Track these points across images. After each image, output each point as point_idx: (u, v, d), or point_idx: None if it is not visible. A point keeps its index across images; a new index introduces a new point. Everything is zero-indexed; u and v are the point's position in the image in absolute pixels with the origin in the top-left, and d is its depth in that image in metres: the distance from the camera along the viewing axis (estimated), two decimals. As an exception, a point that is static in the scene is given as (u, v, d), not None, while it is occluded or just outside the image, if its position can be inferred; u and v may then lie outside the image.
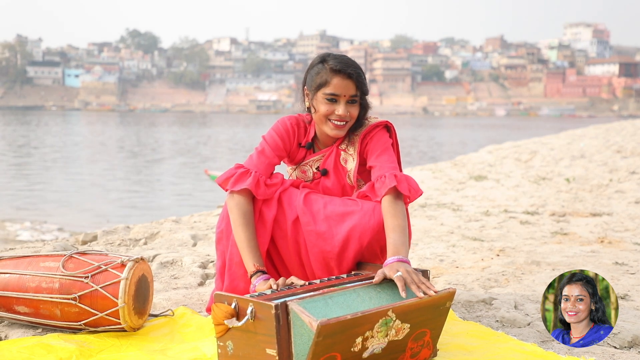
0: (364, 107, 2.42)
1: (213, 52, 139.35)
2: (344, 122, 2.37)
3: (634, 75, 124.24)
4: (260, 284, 2.18)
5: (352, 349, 1.76)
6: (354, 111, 2.37)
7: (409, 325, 1.89)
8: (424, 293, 1.90)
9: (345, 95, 2.33)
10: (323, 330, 1.65)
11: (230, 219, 2.33)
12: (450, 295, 1.97)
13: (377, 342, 1.82)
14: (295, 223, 2.33)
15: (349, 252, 2.26)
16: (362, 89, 2.37)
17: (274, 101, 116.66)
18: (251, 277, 2.23)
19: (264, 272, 2.23)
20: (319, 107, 2.36)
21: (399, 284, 1.93)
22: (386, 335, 1.83)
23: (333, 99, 2.33)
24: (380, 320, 1.80)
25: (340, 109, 2.33)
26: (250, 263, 2.25)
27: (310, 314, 1.73)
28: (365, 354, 1.81)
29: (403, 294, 1.90)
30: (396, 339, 1.87)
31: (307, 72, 2.44)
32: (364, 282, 2.05)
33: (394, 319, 1.83)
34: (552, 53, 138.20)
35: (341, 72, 2.32)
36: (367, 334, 1.78)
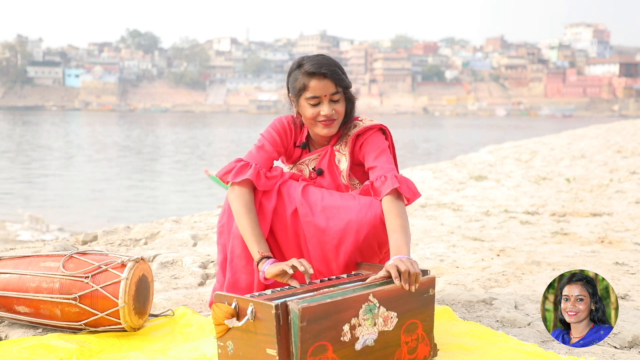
0: (350, 100, 2.44)
1: (213, 52, 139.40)
2: (333, 120, 2.39)
3: (635, 75, 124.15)
4: (270, 268, 2.17)
5: (341, 339, 1.78)
6: (340, 108, 2.40)
7: (396, 314, 1.90)
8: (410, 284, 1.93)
9: (326, 95, 2.36)
10: (305, 314, 1.67)
11: (232, 211, 2.36)
12: (430, 282, 1.99)
13: (366, 332, 1.83)
14: (294, 214, 2.36)
15: (346, 246, 2.28)
16: (341, 85, 2.38)
17: (274, 101, 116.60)
18: (257, 264, 2.24)
19: (269, 258, 2.24)
20: (304, 111, 2.40)
21: (392, 272, 1.94)
22: (374, 324, 1.85)
23: (315, 101, 2.36)
24: (364, 306, 1.82)
25: (324, 109, 2.36)
26: (255, 250, 2.26)
27: None
28: (358, 346, 1.82)
29: (397, 282, 1.91)
30: (386, 329, 1.89)
31: (287, 79, 2.47)
32: (364, 282, 2.05)
33: (378, 305, 1.85)
34: (552, 53, 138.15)
35: (316, 73, 2.34)
36: (354, 321, 1.80)
